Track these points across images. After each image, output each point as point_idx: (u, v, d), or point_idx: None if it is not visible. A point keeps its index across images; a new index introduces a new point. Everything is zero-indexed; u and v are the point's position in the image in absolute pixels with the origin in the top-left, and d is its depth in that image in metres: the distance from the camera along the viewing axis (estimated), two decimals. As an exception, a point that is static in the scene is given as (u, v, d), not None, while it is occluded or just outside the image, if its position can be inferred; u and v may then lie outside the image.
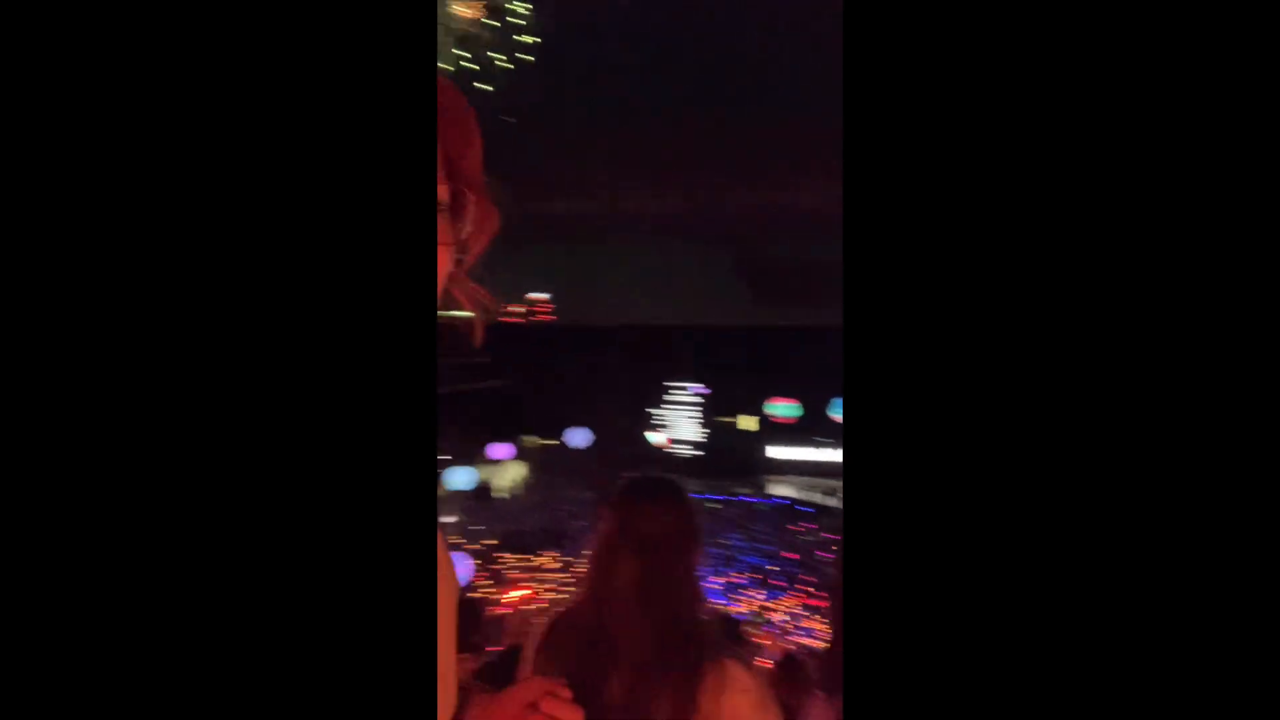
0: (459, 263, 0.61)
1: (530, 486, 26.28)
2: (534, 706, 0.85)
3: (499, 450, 20.11)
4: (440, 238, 0.57)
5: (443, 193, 0.58)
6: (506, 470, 26.00)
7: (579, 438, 20.24)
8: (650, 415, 27.12)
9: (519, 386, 32.33)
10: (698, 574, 1.40)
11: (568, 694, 0.85)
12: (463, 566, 9.32)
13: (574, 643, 1.30)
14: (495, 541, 20.29)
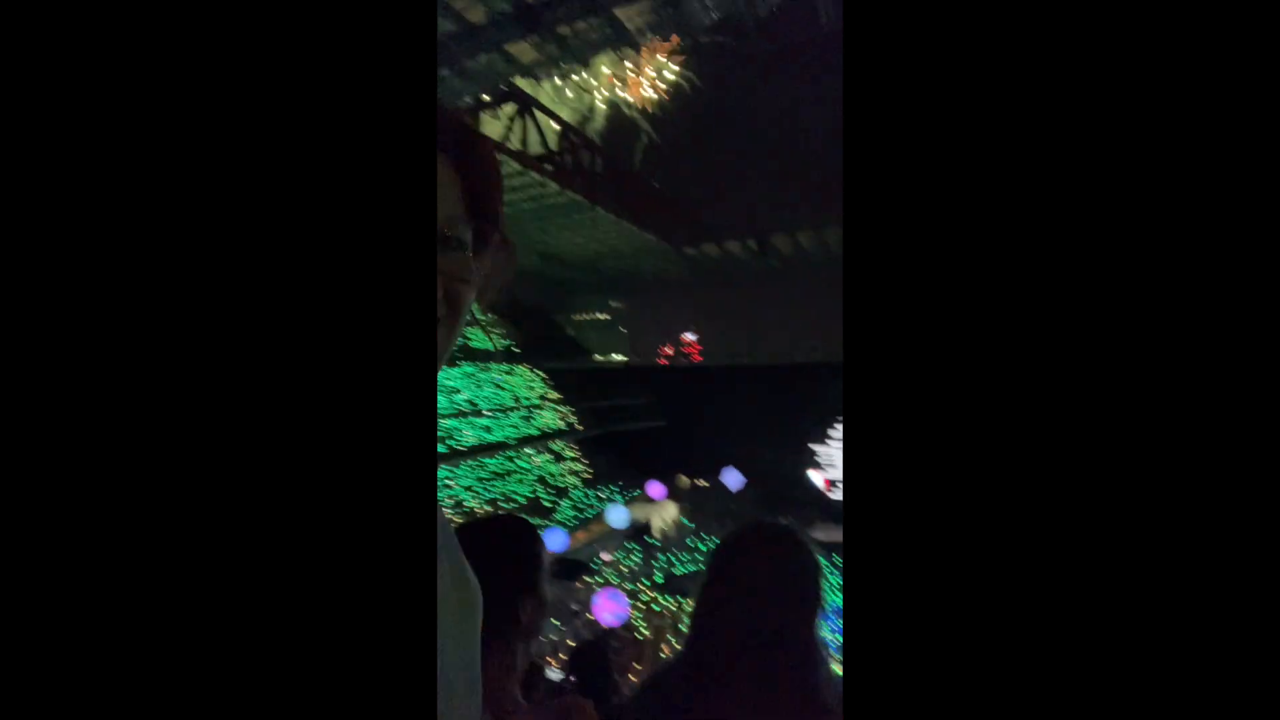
0: (481, 294, 0.63)
1: (681, 528, 26.22)
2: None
3: (656, 489, 20.43)
4: (463, 274, 0.59)
5: (466, 231, 0.59)
6: (663, 510, 26.27)
7: (733, 479, 19.86)
8: (813, 453, 25.85)
9: (672, 426, 32.78)
10: (818, 636, 1.19)
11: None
12: (620, 605, 9.45)
13: (673, 697, 1.17)
14: (650, 583, 20.41)
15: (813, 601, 1.20)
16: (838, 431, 24.99)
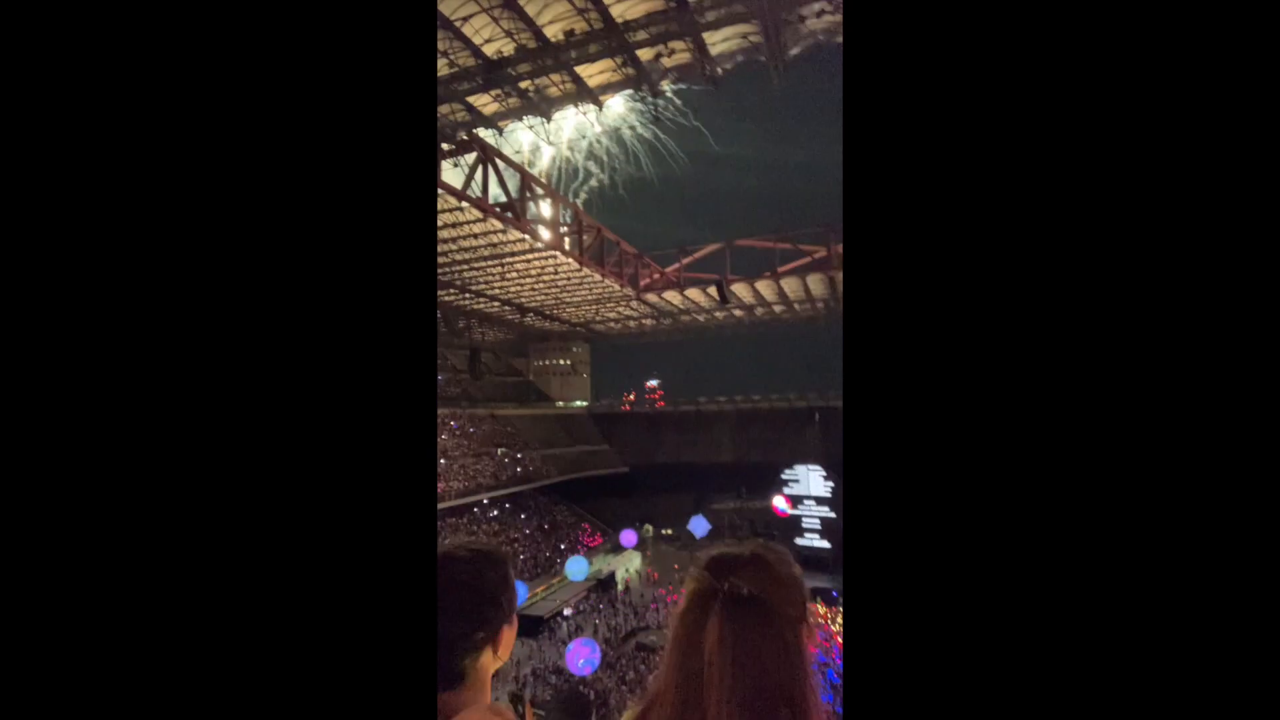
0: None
1: (646, 580, 25.60)
2: None
3: (628, 539, 20.06)
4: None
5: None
6: (629, 561, 25.66)
7: (700, 526, 19.67)
8: (783, 483, 25.93)
9: (638, 474, 32.44)
10: (804, 644, 1.15)
11: None
12: (592, 652, 9.06)
13: None
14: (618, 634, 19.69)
15: (797, 605, 1.21)
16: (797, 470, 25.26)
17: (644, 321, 32.95)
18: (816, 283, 25.80)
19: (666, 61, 17.21)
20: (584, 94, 19.01)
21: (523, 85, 18.06)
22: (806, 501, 24.94)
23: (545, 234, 20.14)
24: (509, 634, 1.17)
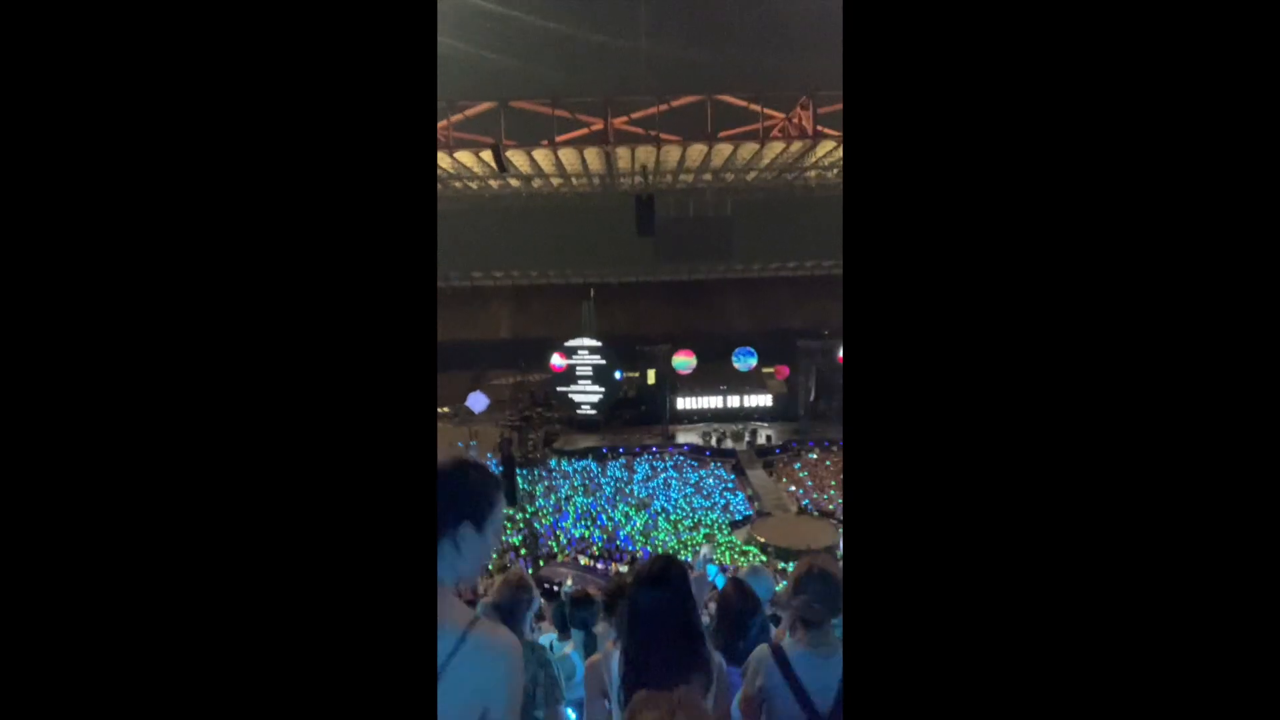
0: None
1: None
2: None
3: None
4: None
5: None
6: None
7: (478, 402, 19.66)
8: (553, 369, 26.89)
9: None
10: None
11: None
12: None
13: None
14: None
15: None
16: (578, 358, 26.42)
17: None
18: (593, 156, 25.46)
19: None
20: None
21: None
22: (580, 352, 26.41)
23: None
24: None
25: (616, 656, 1.66)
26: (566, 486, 22.40)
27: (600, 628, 2.92)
